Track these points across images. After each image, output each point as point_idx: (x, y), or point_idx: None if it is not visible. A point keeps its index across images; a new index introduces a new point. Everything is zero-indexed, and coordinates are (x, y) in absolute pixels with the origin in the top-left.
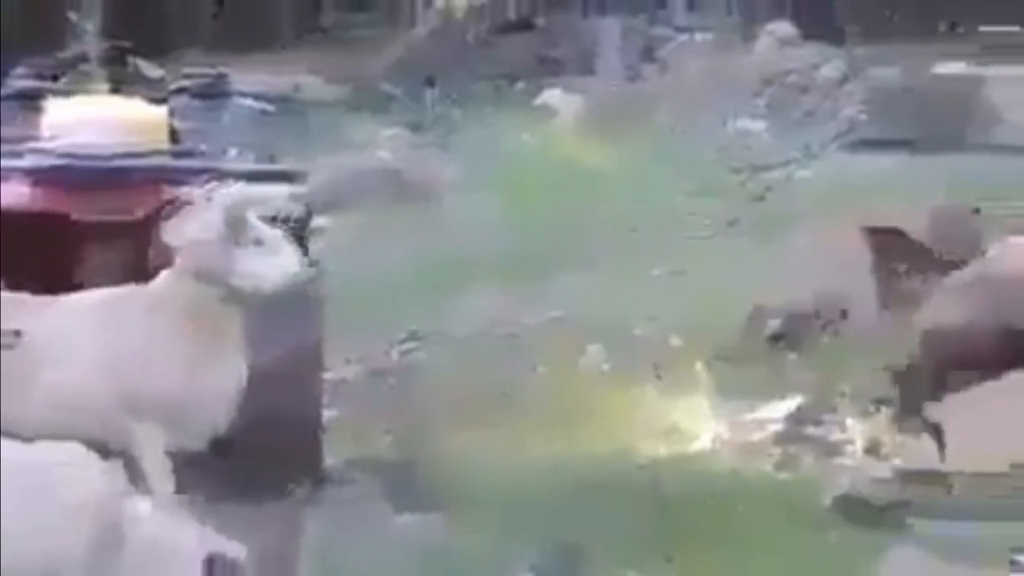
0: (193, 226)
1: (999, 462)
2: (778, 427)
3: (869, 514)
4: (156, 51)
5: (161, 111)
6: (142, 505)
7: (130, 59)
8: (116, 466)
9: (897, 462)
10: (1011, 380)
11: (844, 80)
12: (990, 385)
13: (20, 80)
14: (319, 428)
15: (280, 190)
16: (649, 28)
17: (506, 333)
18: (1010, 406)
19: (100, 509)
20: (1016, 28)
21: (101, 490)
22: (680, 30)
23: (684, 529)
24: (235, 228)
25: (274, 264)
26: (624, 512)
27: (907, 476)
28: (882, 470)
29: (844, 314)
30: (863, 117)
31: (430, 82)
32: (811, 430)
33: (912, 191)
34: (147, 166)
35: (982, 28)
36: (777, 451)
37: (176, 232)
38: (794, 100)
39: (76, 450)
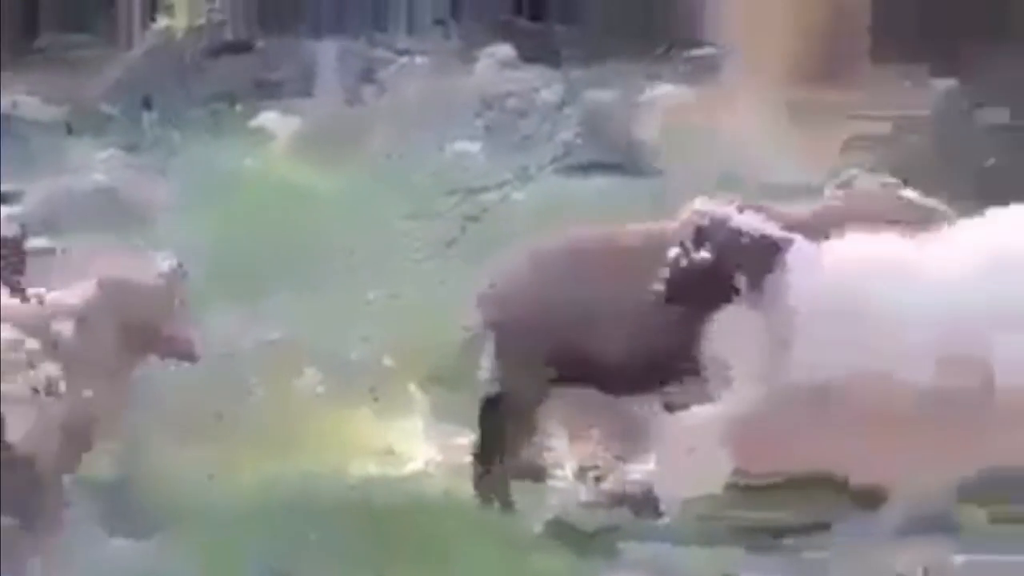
0: None
1: (709, 485)
2: None
3: (579, 539)
4: None
5: None
6: None
7: None
8: None
9: (607, 486)
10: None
11: (562, 104)
12: (698, 409)
13: None
14: None
15: None
16: (368, 50)
17: (222, 354)
18: (717, 429)
19: None
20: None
21: None
22: (400, 52)
23: (396, 550)
24: None
25: None
26: (336, 533)
27: (617, 500)
28: (592, 494)
29: None
30: (579, 141)
31: (147, 103)
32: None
33: (622, 212)
34: None
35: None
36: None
37: None
38: (512, 123)
39: None
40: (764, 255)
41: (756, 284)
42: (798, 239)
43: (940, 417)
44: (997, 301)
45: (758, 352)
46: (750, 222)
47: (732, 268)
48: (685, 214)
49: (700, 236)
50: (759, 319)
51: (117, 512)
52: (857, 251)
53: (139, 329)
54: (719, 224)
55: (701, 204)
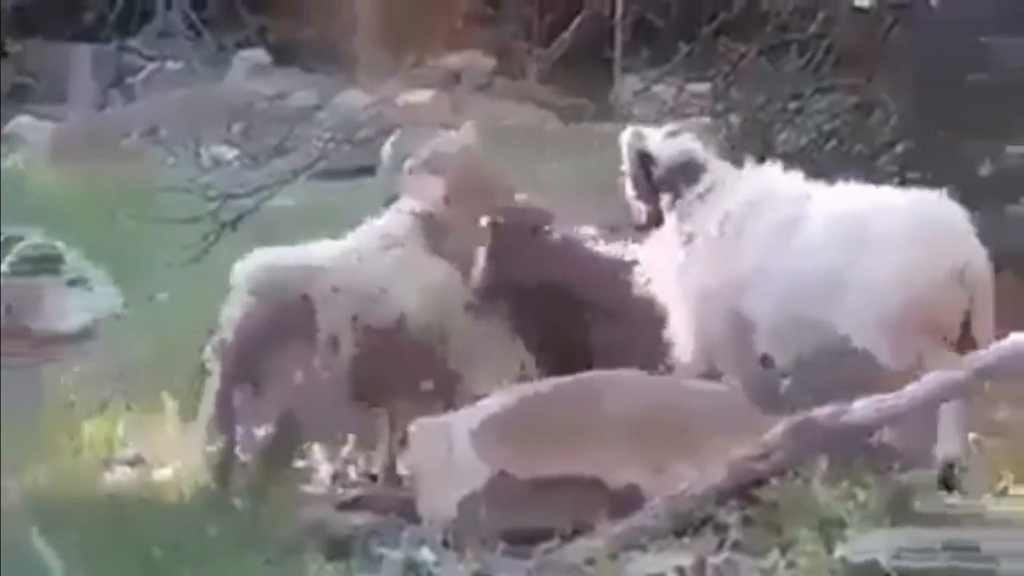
0: None
1: (466, 488)
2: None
3: (335, 543)
4: None
5: None
6: None
7: None
8: None
9: (364, 490)
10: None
11: (316, 108)
12: (455, 414)
13: None
14: None
15: None
16: (120, 56)
17: None
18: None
19: None
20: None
21: None
22: (153, 58)
23: (150, 558)
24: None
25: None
26: (90, 541)
27: (374, 504)
28: (349, 498)
29: None
30: (331, 145)
31: None
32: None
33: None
34: None
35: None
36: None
37: None
38: (267, 128)
39: None
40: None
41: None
42: None
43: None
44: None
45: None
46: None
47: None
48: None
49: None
50: None
51: None
52: None
53: None
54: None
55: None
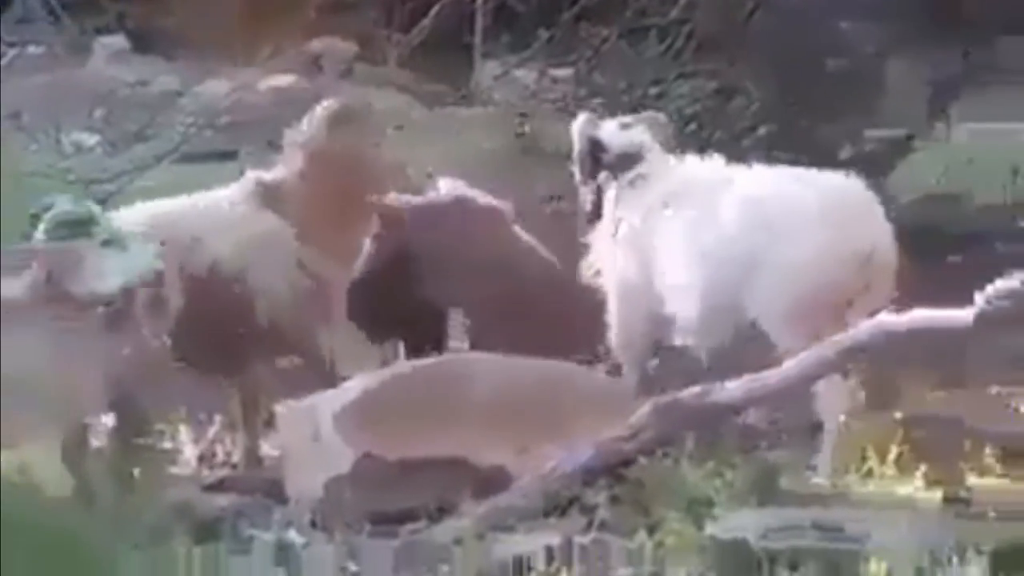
0: None
1: (333, 470)
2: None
3: (204, 525)
4: None
5: None
6: None
7: None
8: None
9: (232, 471)
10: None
11: (178, 94)
12: (320, 395)
13: None
14: None
15: None
16: None
17: None
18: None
19: None
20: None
21: None
22: (13, 44)
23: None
24: None
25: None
26: None
27: (242, 485)
28: (215, 479)
29: None
30: (193, 130)
31: None
32: (141, 440)
33: None
34: None
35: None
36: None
37: None
38: (129, 114)
39: None
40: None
41: None
42: None
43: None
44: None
45: None
46: None
47: None
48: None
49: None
50: None
51: None
52: None
53: None
54: None
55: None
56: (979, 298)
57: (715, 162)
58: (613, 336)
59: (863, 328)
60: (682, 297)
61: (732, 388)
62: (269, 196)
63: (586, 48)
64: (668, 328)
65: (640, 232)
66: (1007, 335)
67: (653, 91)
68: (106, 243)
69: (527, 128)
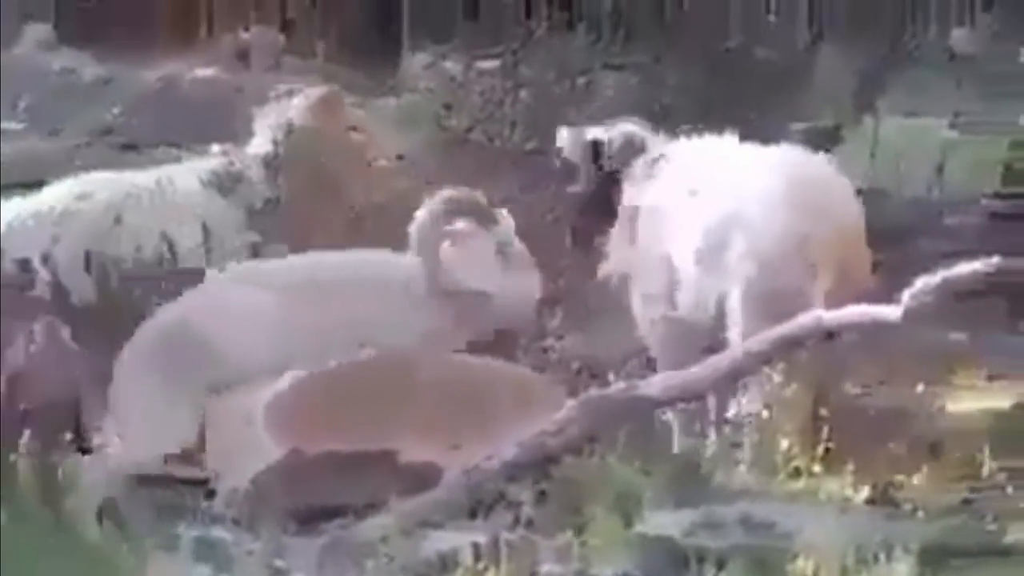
0: None
1: (259, 465)
2: None
3: (129, 521)
4: None
5: None
6: None
7: None
8: None
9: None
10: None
11: (106, 83)
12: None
13: None
14: None
15: None
16: None
17: None
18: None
19: None
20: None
21: None
22: None
23: None
24: None
25: None
26: None
27: (167, 480)
28: (144, 474)
29: None
30: (122, 120)
31: None
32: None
33: None
34: None
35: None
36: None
37: None
38: (57, 102)
39: None
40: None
41: None
42: None
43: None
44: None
45: None
46: None
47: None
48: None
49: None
50: None
51: None
52: None
53: None
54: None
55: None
56: (906, 295)
57: (730, 140)
58: (642, 330)
59: (798, 321)
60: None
61: (660, 381)
62: (223, 181)
63: (513, 40)
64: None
65: (664, 213)
66: (933, 331)
67: (581, 81)
68: None
69: (453, 120)
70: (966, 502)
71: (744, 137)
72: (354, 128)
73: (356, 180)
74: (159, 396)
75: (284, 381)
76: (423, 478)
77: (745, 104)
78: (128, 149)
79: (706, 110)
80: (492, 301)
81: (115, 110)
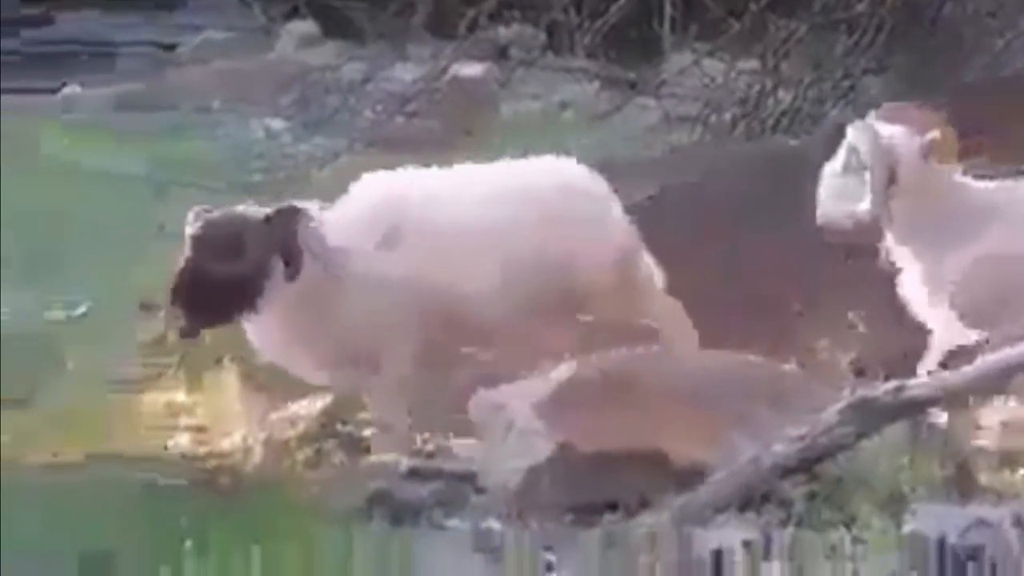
0: None
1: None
2: (309, 424)
3: (401, 512)
4: None
5: None
6: None
7: None
8: None
9: (429, 460)
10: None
11: (366, 80)
12: (517, 384)
13: None
14: None
15: None
16: (169, 24)
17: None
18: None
19: None
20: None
21: None
22: (201, 28)
23: (218, 527)
24: None
25: None
26: (160, 510)
27: (439, 474)
28: (414, 468)
29: None
30: (383, 117)
31: None
32: (340, 427)
33: None
34: None
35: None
36: (308, 448)
37: None
38: (317, 99)
39: None
40: None
41: None
42: None
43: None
44: None
45: None
46: None
47: None
48: None
49: None
50: None
51: None
52: None
53: None
54: None
55: None
56: None
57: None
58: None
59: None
60: None
61: (923, 384)
62: None
63: (774, 40)
64: None
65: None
66: None
67: (845, 84)
68: None
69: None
70: None
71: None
72: None
73: None
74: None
75: (556, 374)
76: (690, 475)
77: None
78: (387, 148)
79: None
80: None
81: (378, 108)
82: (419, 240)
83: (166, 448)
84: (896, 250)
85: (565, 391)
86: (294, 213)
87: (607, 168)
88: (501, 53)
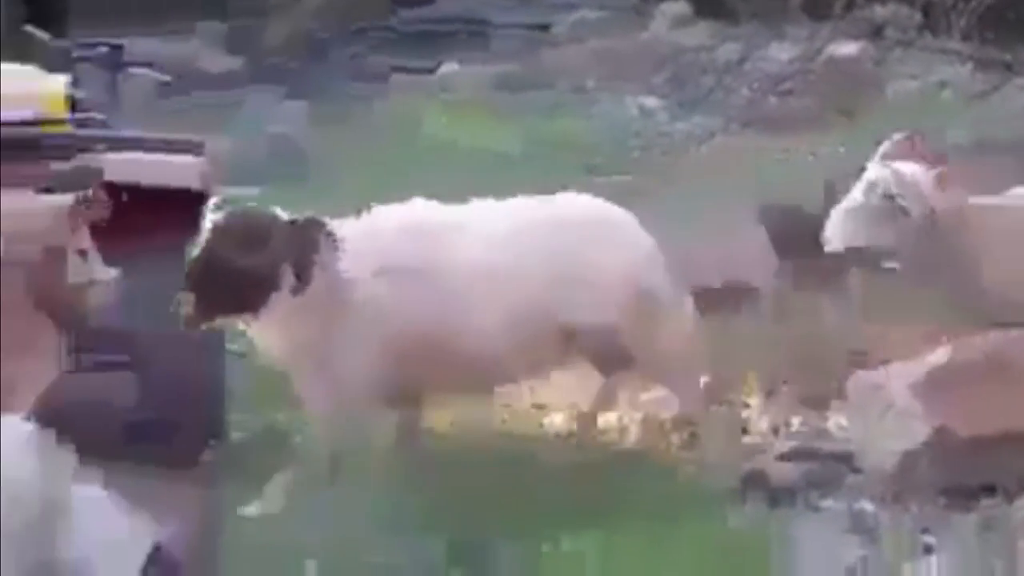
0: None
1: (906, 442)
2: None
3: (775, 493)
4: (54, 20)
5: (59, 80)
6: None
7: (28, 28)
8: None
9: (802, 442)
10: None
11: (742, 60)
12: (894, 366)
13: None
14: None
15: (182, 160)
16: (544, 3)
17: None
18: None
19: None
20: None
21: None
22: (574, 7)
23: (599, 505)
24: None
25: None
26: (537, 485)
27: (813, 456)
28: (788, 449)
29: (751, 293)
30: (759, 96)
31: (323, 55)
32: (715, 408)
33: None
34: (46, 135)
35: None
36: (683, 430)
37: None
38: (692, 79)
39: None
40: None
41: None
42: None
43: None
44: None
45: None
46: None
47: None
48: None
49: None
50: None
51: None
52: None
53: None
54: None
55: None
56: None
57: None
58: None
59: None
60: None
61: None
62: None
63: None
64: None
65: None
66: None
67: None
68: None
69: None
70: None
71: None
72: None
73: None
74: None
75: (934, 357)
76: None
77: None
78: (761, 127)
79: None
80: None
81: (754, 86)
82: (418, 275)
83: (541, 426)
84: None
85: (942, 373)
86: (320, 227)
87: (981, 149)
88: (876, 32)
